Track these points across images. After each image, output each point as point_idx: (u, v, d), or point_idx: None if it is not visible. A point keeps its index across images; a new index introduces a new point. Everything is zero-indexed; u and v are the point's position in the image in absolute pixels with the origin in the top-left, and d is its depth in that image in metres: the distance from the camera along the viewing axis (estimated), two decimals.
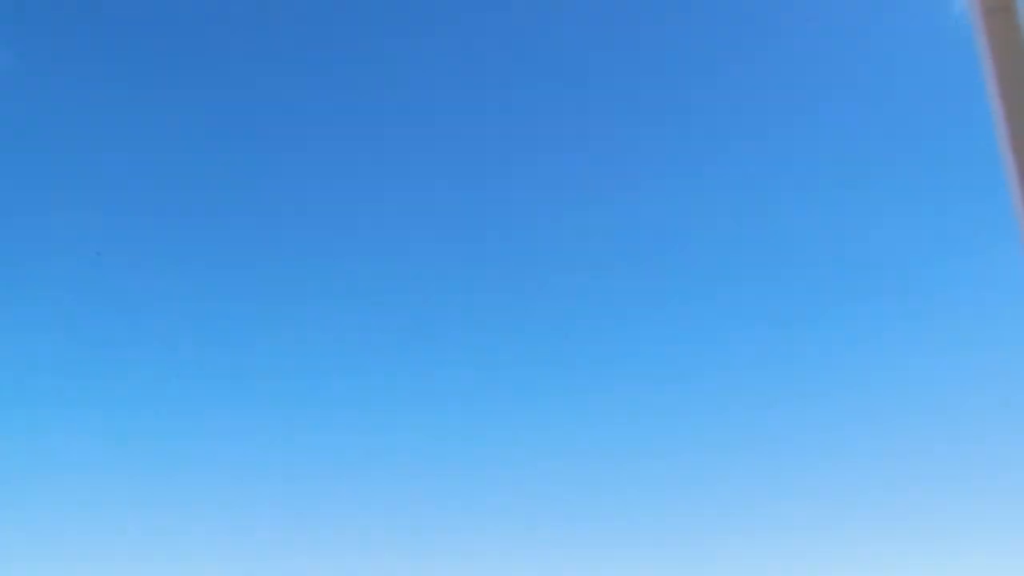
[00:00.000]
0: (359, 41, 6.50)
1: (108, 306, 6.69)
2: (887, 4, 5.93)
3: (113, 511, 6.29)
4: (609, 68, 6.41)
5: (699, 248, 6.42)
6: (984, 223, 5.64)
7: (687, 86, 6.46)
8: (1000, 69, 2.03)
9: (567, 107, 6.48)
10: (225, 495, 6.37)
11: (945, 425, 6.08)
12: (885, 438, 6.14)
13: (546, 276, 6.61)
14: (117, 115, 6.64)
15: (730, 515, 6.11)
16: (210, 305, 6.76)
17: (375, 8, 6.44)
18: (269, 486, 6.38)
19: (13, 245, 6.57)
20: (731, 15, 6.31)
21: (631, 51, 6.36)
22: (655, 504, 6.21)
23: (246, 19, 6.56)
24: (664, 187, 6.49)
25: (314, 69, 6.62)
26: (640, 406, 6.40)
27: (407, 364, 6.64)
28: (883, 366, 6.26)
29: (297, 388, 6.60)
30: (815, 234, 6.17)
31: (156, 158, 6.72)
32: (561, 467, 6.31)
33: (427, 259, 6.67)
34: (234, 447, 6.46)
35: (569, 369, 6.51)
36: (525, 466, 6.34)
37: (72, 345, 6.58)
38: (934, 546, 5.76)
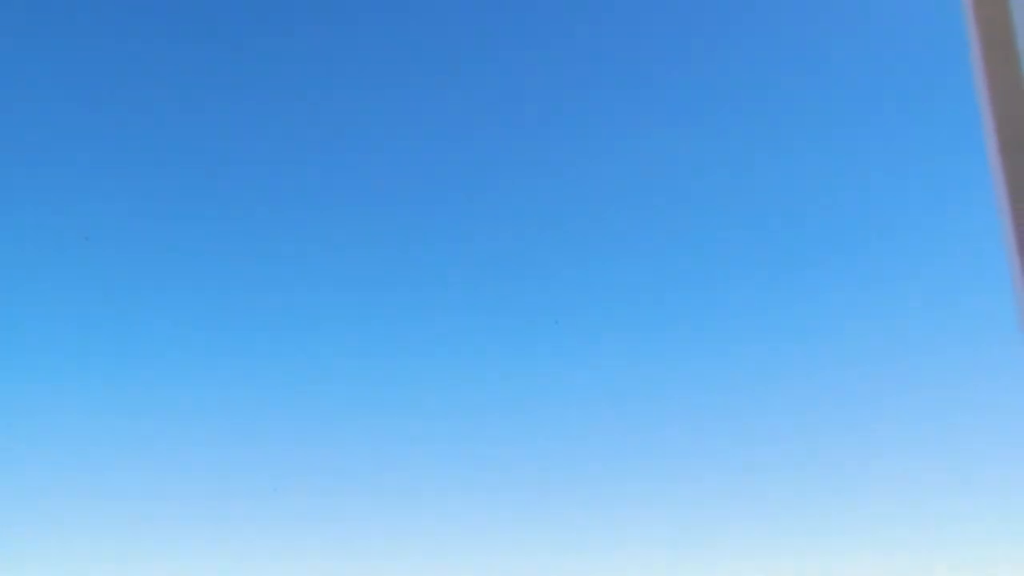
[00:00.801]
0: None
1: (104, 297, 6.70)
2: None
3: (112, 509, 6.30)
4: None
5: (699, 192, 6.43)
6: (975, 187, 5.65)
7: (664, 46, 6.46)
8: (987, 50, 2.06)
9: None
10: (217, 458, 6.38)
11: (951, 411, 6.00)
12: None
13: (542, 222, 6.63)
14: (114, 107, 6.66)
15: (731, 463, 6.10)
16: (206, 291, 6.78)
17: None
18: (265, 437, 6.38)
19: (11, 236, 6.58)
20: None
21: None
22: (654, 456, 6.21)
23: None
24: (656, 140, 6.49)
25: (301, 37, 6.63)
26: (640, 351, 6.41)
27: (401, 311, 6.66)
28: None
29: (296, 338, 6.61)
30: (811, 184, 6.15)
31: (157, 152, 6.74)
32: (556, 416, 6.33)
33: (421, 206, 6.70)
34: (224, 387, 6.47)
35: (566, 316, 6.53)
36: (520, 414, 6.37)
37: (69, 337, 6.59)
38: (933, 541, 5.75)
